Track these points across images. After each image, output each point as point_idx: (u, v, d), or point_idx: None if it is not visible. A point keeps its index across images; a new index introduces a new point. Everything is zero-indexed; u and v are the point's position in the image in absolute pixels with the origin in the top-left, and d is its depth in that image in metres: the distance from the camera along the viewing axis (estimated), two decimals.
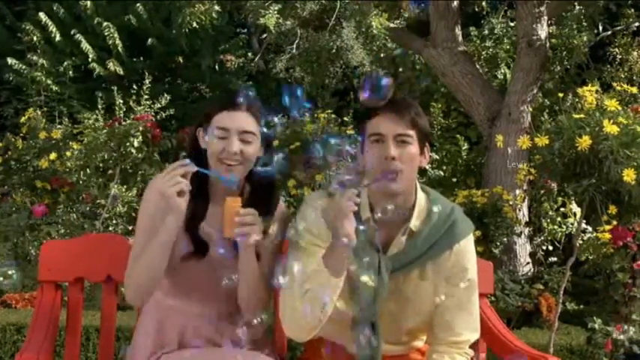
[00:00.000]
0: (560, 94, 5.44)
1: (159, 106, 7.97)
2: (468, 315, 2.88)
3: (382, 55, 11.23)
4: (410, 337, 2.98)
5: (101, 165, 7.06)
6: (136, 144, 6.80)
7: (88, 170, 7.19)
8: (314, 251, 2.71)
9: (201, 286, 2.89)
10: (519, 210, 7.33)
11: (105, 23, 12.85)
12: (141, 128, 6.85)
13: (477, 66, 9.22)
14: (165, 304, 2.95)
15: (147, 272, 2.77)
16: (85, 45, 12.82)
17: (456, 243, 2.82)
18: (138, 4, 13.38)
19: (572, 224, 6.99)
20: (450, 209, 2.86)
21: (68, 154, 7.32)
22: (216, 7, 9.23)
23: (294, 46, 10.15)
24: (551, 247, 7.41)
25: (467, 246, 2.86)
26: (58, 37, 12.97)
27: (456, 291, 2.84)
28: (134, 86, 8.12)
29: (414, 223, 2.79)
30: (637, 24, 10.37)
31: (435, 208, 2.82)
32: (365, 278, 2.66)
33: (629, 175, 4.19)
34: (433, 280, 2.82)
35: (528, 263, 7.48)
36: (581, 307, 7.20)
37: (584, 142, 4.20)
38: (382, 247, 2.78)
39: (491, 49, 10.94)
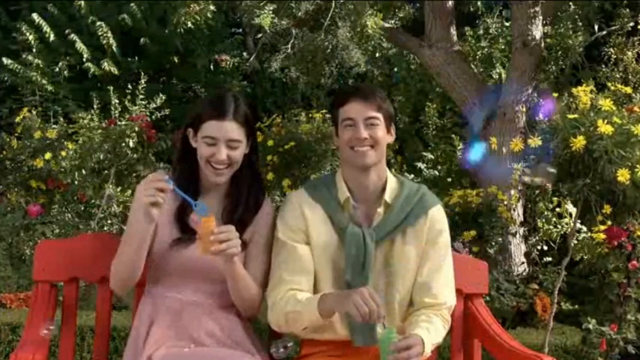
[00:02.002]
0: (555, 94, 5.44)
1: (154, 106, 7.96)
2: (444, 277, 3.13)
3: (377, 54, 11.24)
4: (400, 315, 3.10)
5: (96, 166, 7.04)
6: (131, 144, 6.79)
7: (83, 171, 7.16)
8: (292, 246, 3.02)
9: (193, 276, 3.00)
10: (514, 210, 7.33)
11: (98, 23, 12.82)
12: (136, 129, 6.84)
13: (472, 66, 9.23)
14: (160, 293, 3.03)
15: (125, 268, 2.96)
16: (80, 45, 12.79)
17: (429, 208, 3.14)
18: (132, 4, 13.36)
19: (567, 224, 6.99)
20: (418, 186, 3.21)
21: (63, 153, 7.30)
22: (212, 7, 9.21)
23: (290, 46, 10.15)
24: (546, 247, 7.41)
25: (439, 212, 3.20)
26: (52, 37, 12.94)
27: (431, 254, 3.12)
28: (129, 86, 8.11)
29: (389, 197, 3.10)
30: (632, 24, 10.36)
31: (404, 185, 3.16)
32: (352, 251, 3.00)
33: (623, 175, 4.20)
34: (415, 244, 3.10)
35: (523, 263, 7.47)
36: (576, 307, 7.21)
37: (579, 142, 4.20)
38: (366, 222, 3.08)
39: (486, 49, 10.94)
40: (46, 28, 12.84)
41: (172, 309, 2.99)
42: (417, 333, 2.88)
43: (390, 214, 3.07)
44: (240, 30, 15.86)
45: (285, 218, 3.07)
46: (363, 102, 3.04)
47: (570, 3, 9.84)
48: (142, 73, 8.19)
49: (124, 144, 6.78)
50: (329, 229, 3.06)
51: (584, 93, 4.46)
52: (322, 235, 3.05)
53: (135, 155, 6.88)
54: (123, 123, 6.96)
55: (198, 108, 3.10)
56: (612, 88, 4.81)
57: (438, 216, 3.16)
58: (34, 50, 13.03)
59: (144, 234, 2.89)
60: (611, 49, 10.31)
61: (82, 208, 7.61)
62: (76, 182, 7.25)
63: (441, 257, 3.13)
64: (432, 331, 2.96)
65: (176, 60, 14.01)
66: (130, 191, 7.47)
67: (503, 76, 10.01)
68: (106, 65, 12.72)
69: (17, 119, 7.85)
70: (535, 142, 4.41)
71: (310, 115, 7.93)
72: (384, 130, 3.07)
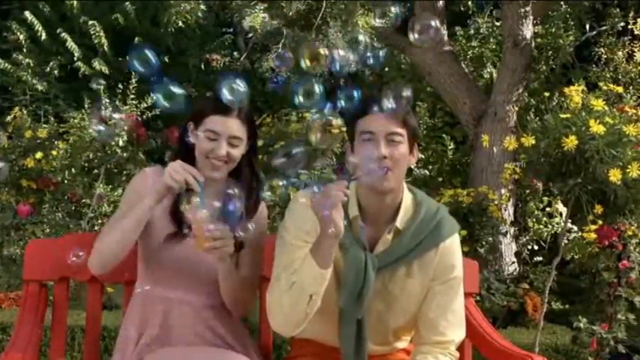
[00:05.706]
0: (546, 94, 5.45)
1: (145, 105, 7.94)
2: (453, 314, 2.87)
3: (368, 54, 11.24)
4: (395, 337, 2.98)
5: (86, 165, 7.02)
6: (120, 143, 6.78)
7: (73, 170, 7.15)
8: (302, 247, 2.70)
9: (184, 273, 2.94)
10: (505, 209, 7.34)
11: (90, 22, 12.80)
12: (126, 127, 6.82)
13: (463, 65, 9.23)
14: (150, 292, 2.98)
15: (115, 243, 2.87)
16: (71, 44, 12.76)
17: (442, 242, 2.82)
18: (126, 3, 13.34)
19: (557, 224, 7.01)
20: (436, 209, 2.86)
21: (54, 153, 7.29)
22: (202, 7, 9.21)
23: (280, 45, 10.15)
24: (536, 247, 7.43)
25: (452, 245, 2.87)
26: (43, 36, 12.91)
27: (441, 290, 2.84)
28: (120, 85, 8.09)
29: (400, 221, 2.78)
30: (622, 24, 10.39)
31: (421, 207, 2.83)
32: (351, 275, 2.70)
33: (614, 175, 4.20)
34: (420, 278, 2.82)
35: (514, 263, 7.49)
36: (567, 306, 7.23)
37: (570, 141, 4.21)
38: (369, 245, 2.77)
39: (477, 49, 10.95)
40: (38, 26, 12.81)
41: (162, 309, 2.95)
42: None
43: (398, 242, 2.78)
44: (231, 30, 15.86)
45: (298, 221, 2.77)
46: (387, 114, 2.64)
47: (561, 2, 9.86)
48: (133, 73, 8.17)
49: (113, 143, 6.76)
50: None
51: (575, 93, 4.46)
52: None
53: (125, 154, 6.86)
54: (112, 122, 6.94)
55: (203, 102, 3.02)
56: (604, 87, 4.82)
57: (450, 249, 2.86)
58: (24, 50, 13.01)
59: (147, 210, 2.83)
60: (602, 49, 10.33)
61: (73, 208, 7.59)
62: (66, 181, 7.24)
63: (450, 294, 2.86)
64: None
65: (167, 59, 13.99)
66: (120, 190, 7.45)
67: (494, 75, 10.02)
68: (97, 65, 12.69)
69: (8, 119, 7.84)
70: (529, 141, 4.41)
71: (300, 115, 7.93)
72: (407, 149, 2.74)
